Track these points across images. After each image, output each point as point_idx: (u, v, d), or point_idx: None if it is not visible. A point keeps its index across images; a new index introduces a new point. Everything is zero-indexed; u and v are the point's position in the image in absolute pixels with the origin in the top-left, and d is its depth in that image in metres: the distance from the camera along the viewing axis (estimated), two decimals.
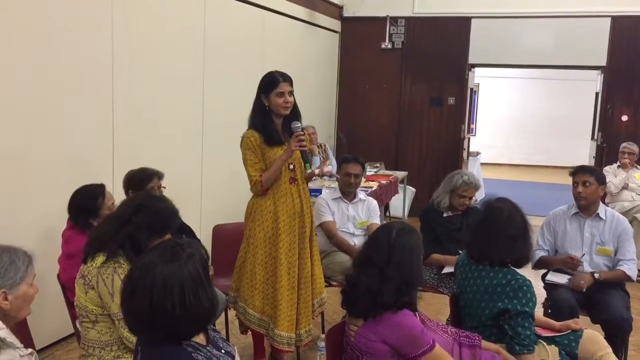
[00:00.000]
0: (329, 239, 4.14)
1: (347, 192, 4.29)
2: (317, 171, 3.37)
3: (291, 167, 3.30)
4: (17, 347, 1.84)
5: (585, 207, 3.66)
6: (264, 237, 3.29)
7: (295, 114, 3.30)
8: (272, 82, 3.21)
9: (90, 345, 2.41)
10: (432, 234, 3.95)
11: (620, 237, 3.59)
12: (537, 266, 3.73)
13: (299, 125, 3.25)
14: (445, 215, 4.07)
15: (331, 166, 6.70)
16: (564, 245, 3.69)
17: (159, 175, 3.60)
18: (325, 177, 6.50)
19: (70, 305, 2.97)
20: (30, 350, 1.89)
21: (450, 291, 3.67)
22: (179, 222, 2.56)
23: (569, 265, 3.59)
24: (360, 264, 2.40)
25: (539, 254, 3.70)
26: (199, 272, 1.65)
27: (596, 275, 3.53)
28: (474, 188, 4.06)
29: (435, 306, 4.12)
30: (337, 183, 4.46)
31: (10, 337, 1.86)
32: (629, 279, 3.56)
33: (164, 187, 3.58)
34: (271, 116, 3.26)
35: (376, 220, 4.32)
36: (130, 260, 2.32)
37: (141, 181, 3.53)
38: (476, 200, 4.21)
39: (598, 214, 3.66)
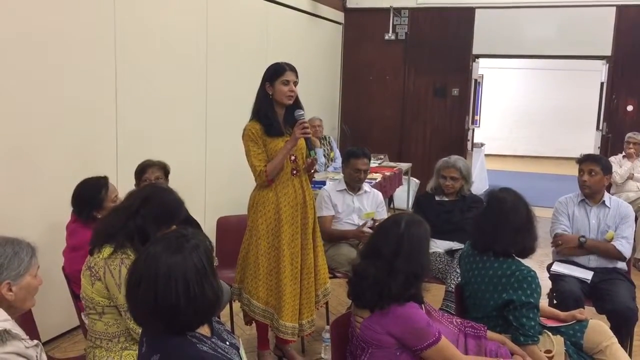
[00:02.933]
0: (322, 234, 4.11)
1: (354, 186, 4.29)
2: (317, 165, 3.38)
3: (292, 158, 3.30)
4: (23, 339, 1.84)
5: (590, 196, 3.71)
6: (266, 229, 3.29)
7: (297, 106, 3.30)
8: (278, 70, 3.22)
9: (97, 337, 2.41)
10: (424, 217, 3.99)
11: (622, 219, 3.66)
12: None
13: (302, 113, 3.25)
14: (437, 198, 4.23)
15: (337, 159, 6.71)
16: (572, 229, 3.73)
17: (160, 166, 3.60)
18: (329, 169, 6.51)
19: (75, 297, 2.98)
20: (35, 341, 1.89)
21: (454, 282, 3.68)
22: (185, 213, 2.56)
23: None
24: (368, 256, 2.38)
25: (565, 230, 3.73)
26: (203, 263, 1.65)
27: (582, 239, 3.61)
28: (451, 168, 4.22)
29: (440, 297, 4.11)
30: (341, 175, 4.45)
31: (16, 329, 1.86)
32: (619, 255, 3.59)
33: (161, 179, 3.59)
34: (273, 106, 3.26)
35: (384, 216, 4.30)
36: (138, 251, 2.32)
37: (139, 172, 3.56)
38: (469, 189, 4.32)
39: (604, 201, 3.71)
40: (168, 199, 2.47)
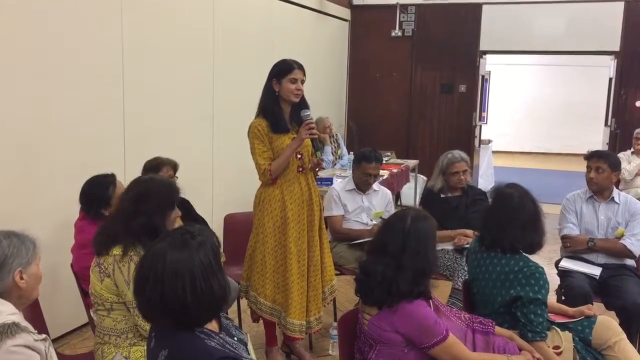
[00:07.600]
0: (334, 234, 4.11)
1: (363, 187, 4.28)
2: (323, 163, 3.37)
3: (299, 156, 3.29)
4: (31, 332, 1.86)
5: (598, 192, 3.69)
6: (273, 226, 3.29)
7: (304, 105, 3.29)
8: (286, 68, 3.21)
9: (105, 333, 2.43)
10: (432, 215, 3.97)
11: (632, 216, 3.63)
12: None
13: (309, 113, 3.24)
14: (443, 196, 4.18)
15: (344, 156, 6.71)
16: (580, 227, 3.72)
17: (171, 165, 3.61)
18: (336, 166, 6.51)
19: (84, 294, 2.99)
20: (44, 335, 1.91)
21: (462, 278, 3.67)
22: (178, 192, 2.55)
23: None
24: (375, 252, 2.38)
25: (572, 228, 3.71)
26: (209, 260, 1.65)
27: (591, 243, 3.58)
28: (462, 162, 4.15)
29: (446, 294, 4.11)
30: (348, 172, 4.44)
31: (24, 323, 1.88)
32: (629, 253, 3.57)
33: (177, 177, 3.60)
34: (279, 102, 3.25)
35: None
36: (147, 248, 2.33)
37: (153, 170, 3.56)
38: (471, 174, 4.30)
39: (613, 197, 3.69)
40: (159, 187, 2.48)
